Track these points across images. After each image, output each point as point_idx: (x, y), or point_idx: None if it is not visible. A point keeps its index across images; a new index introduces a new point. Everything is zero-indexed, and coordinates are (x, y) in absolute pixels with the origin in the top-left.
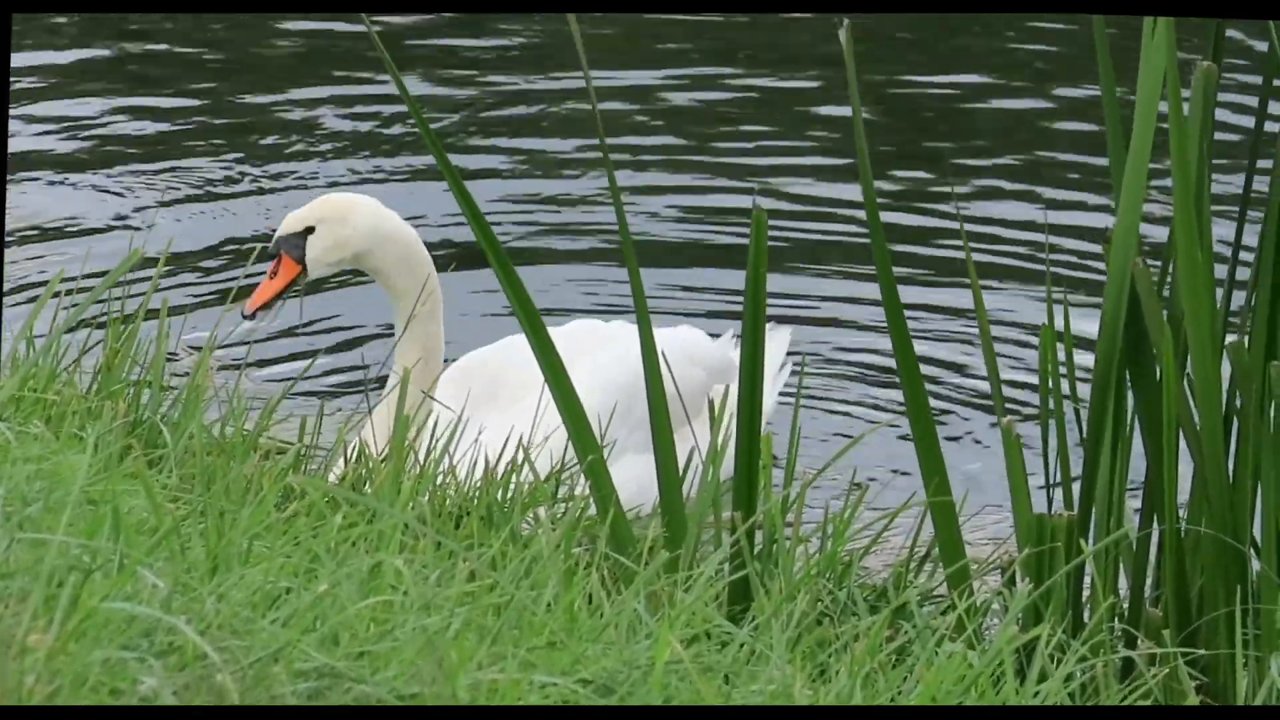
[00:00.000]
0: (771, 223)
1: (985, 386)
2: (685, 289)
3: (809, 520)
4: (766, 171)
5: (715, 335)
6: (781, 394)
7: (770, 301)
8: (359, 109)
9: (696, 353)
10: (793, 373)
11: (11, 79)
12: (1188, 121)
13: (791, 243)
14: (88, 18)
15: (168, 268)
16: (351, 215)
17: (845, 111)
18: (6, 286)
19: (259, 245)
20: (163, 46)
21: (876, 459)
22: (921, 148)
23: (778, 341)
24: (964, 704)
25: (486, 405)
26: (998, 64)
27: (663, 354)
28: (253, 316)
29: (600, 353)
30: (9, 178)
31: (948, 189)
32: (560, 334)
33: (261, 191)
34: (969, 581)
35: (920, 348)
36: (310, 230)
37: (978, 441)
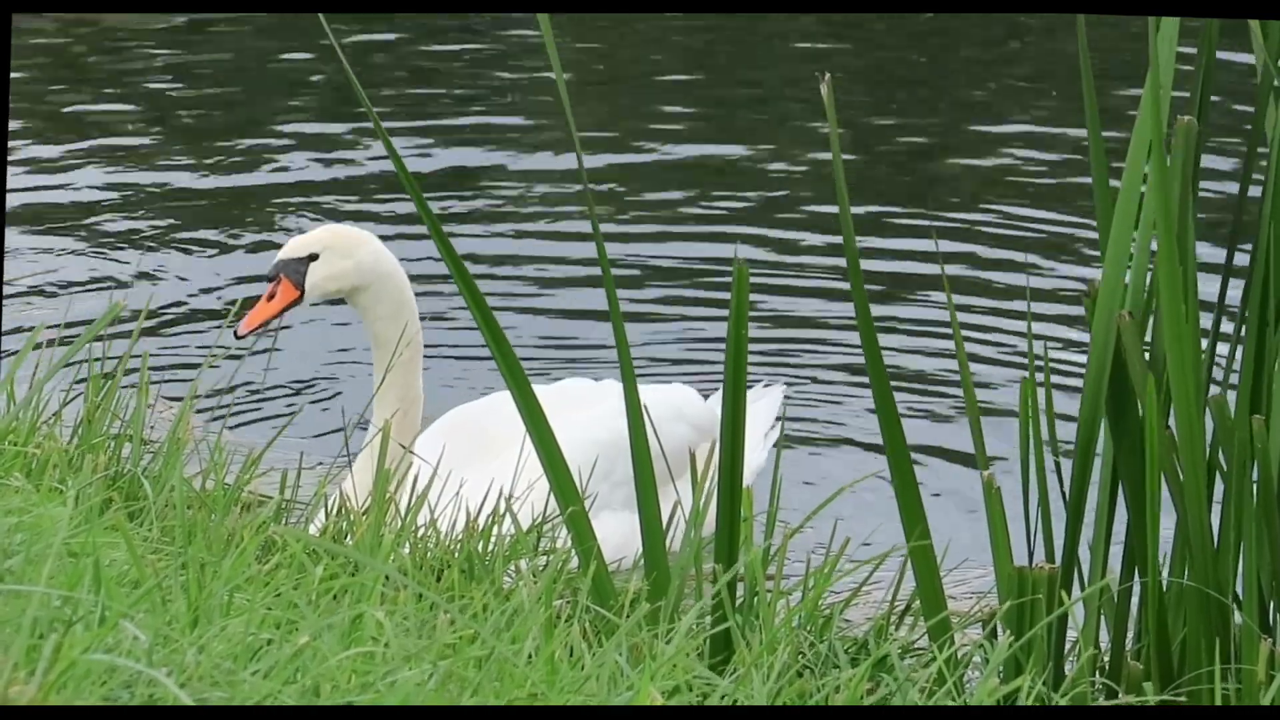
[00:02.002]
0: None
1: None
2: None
3: (792, 573)
4: (752, 227)
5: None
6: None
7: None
8: (342, 167)
9: (686, 410)
10: (779, 416)
11: None
12: (1169, 175)
13: (777, 297)
14: (65, 66)
15: (148, 322)
16: (357, 248)
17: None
18: None
19: (239, 300)
20: (141, 96)
21: (863, 512)
22: (905, 194)
23: (770, 400)
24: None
25: (471, 458)
26: (983, 102)
27: (647, 410)
28: (245, 337)
29: (587, 410)
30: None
31: (930, 233)
32: (551, 391)
33: (241, 247)
34: (950, 634)
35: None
36: (314, 257)
37: (961, 495)
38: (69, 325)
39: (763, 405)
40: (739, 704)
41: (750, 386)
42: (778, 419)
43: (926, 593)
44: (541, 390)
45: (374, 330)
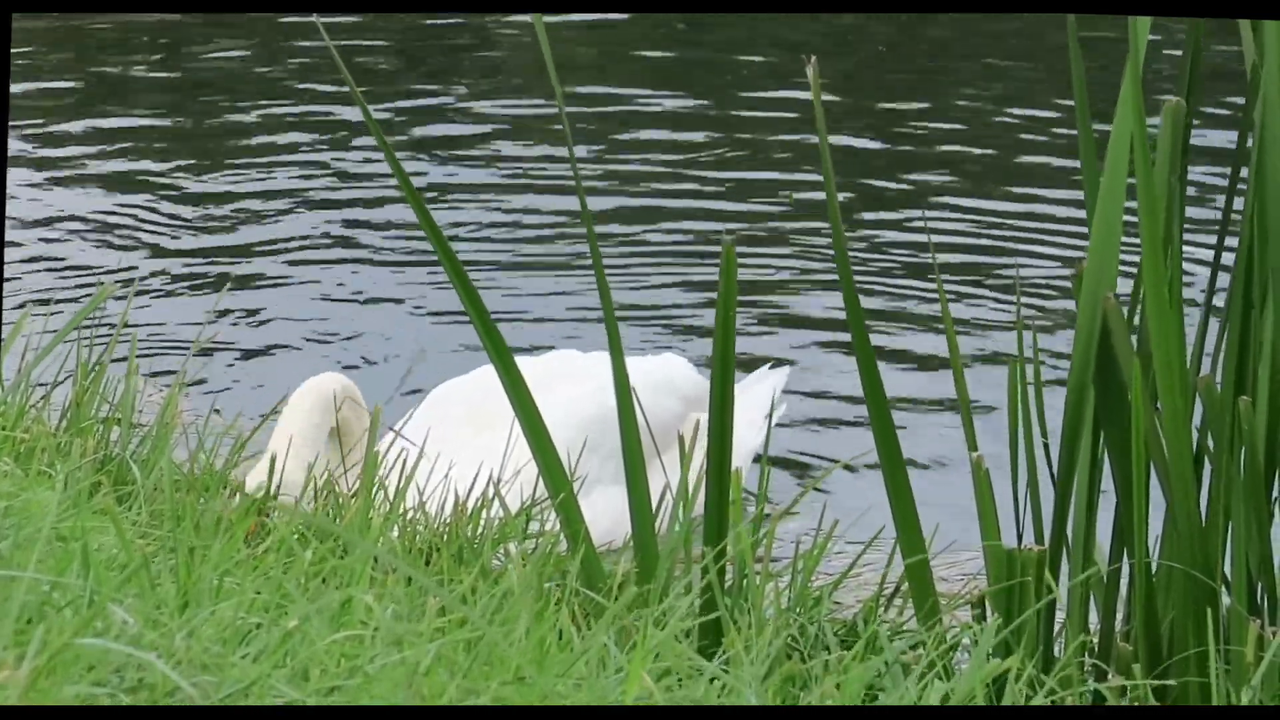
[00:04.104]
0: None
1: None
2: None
3: (784, 556)
4: (740, 211)
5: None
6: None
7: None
8: (329, 141)
9: (677, 383)
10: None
11: None
12: (1156, 159)
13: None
14: (58, 47)
15: (136, 305)
16: (311, 413)
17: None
18: None
19: (230, 283)
20: (137, 77)
21: (856, 492)
22: (895, 175)
23: (775, 381)
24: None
25: (461, 435)
26: (975, 85)
27: (633, 384)
28: None
29: (575, 384)
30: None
31: (920, 216)
32: (538, 364)
33: (232, 232)
34: (938, 616)
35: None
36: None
37: (951, 476)
38: (58, 301)
39: (767, 386)
40: (729, 686)
41: (758, 367)
42: (782, 397)
43: (915, 577)
44: (528, 363)
45: (350, 434)
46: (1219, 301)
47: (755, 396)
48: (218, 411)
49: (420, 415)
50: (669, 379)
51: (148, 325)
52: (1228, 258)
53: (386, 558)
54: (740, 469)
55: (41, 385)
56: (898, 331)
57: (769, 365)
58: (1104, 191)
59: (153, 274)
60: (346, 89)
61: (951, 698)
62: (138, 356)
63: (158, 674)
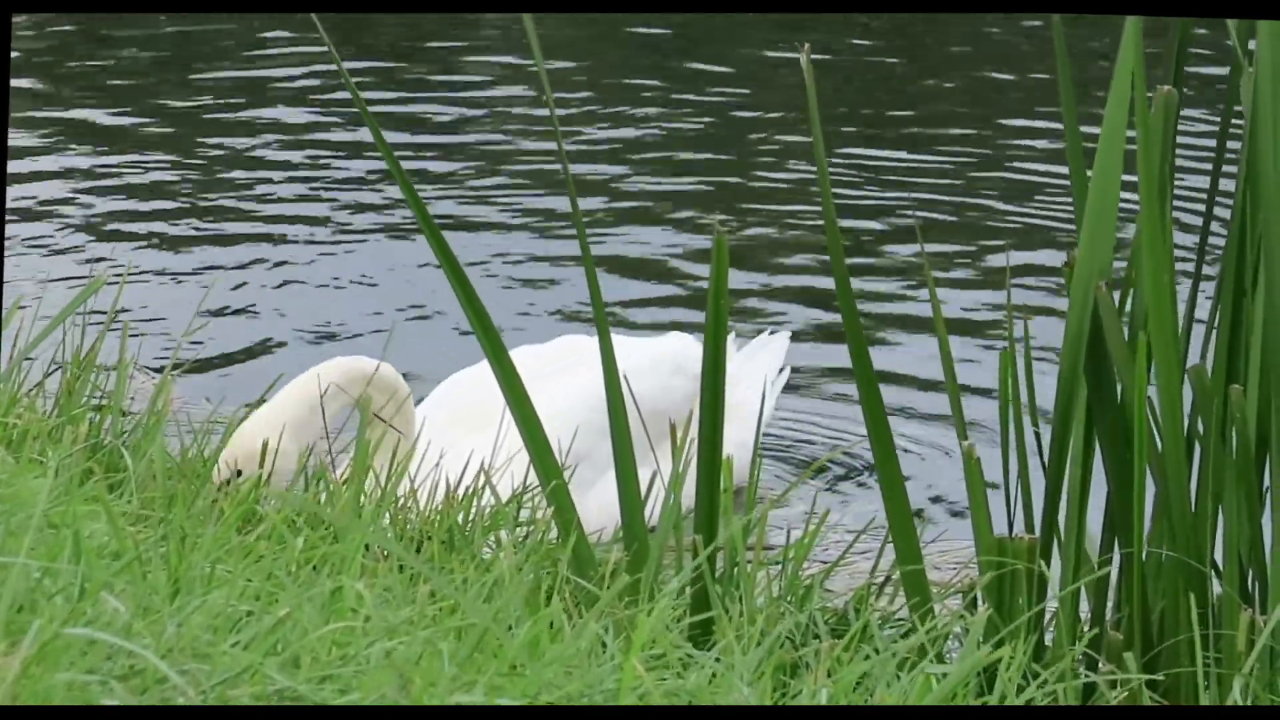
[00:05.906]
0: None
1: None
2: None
3: (778, 543)
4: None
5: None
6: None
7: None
8: (326, 133)
9: (684, 363)
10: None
11: None
12: (1150, 145)
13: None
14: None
15: (127, 294)
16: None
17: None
18: None
19: (221, 268)
20: (129, 61)
21: (852, 481)
22: (887, 156)
23: (776, 346)
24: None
25: (472, 425)
26: (968, 74)
27: (642, 366)
28: None
29: (580, 371)
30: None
31: (910, 203)
32: (545, 350)
33: (224, 218)
34: (930, 605)
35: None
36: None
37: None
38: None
39: (770, 351)
40: (720, 675)
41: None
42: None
43: (906, 565)
44: (536, 350)
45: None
46: (1208, 290)
47: (761, 363)
48: (208, 399)
49: (431, 405)
50: (676, 361)
51: (139, 314)
52: (1215, 255)
53: (379, 532)
54: (730, 457)
55: (33, 370)
56: (894, 320)
57: (769, 331)
58: (1095, 181)
59: (145, 263)
60: (341, 81)
61: (943, 686)
62: (130, 339)
63: (148, 661)
